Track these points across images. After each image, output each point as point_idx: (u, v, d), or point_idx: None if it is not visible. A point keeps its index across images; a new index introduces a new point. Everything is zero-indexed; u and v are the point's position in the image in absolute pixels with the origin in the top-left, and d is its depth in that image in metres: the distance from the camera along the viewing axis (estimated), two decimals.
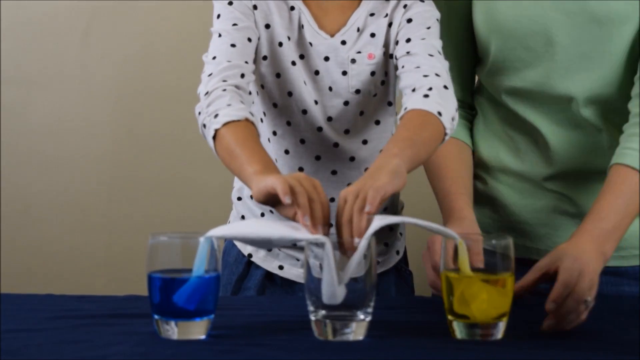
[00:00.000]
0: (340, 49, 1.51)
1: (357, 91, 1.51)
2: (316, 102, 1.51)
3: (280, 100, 1.53)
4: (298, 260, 1.57)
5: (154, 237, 1.15)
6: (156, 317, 1.14)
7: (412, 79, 1.43)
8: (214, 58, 1.45)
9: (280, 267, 1.58)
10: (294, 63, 1.51)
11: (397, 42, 1.51)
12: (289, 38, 1.51)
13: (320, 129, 1.53)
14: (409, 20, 1.50)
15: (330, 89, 1.52)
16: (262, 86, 1.54)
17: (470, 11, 1.55)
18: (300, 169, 1.53)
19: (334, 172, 1.55)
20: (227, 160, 1.35)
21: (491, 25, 1.50)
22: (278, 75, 1.52)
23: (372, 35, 1.51)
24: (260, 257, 1.59)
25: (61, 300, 1.40)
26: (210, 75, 1.44)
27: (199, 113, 1.41)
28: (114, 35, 2.41)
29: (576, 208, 1.52)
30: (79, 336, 1.13)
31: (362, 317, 1.12)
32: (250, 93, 1.51)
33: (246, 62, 1.46)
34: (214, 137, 1.37)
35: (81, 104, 2.41)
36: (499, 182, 1.60)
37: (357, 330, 1.12)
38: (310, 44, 1.51)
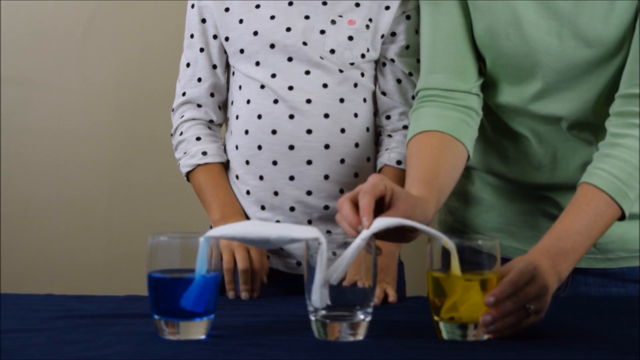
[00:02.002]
0: (321, 9, 1.54)
1: (332, 51, 1.55)
2: (273, 76, 1.55)
3: (250, 69, 1.60)
4: (282, 249, 1.60)
5: (153, 237, 1.15)
6: (156, 317, 1.14)
7: (396, 102, 1.62)
8: (179, 82, 1.69)
9: (267, 257, 1.61)
10: (255, 33, 1.59)
11: (393, 34, 1.60)
12: (257, 7, 1.59)
13: (276, 101, 1.58)
14: (408, 17, 1.59)
15: (304, 44, 1.57)
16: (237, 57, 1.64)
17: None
18: (274, 132, 1.58)
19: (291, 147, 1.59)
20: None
21: (486, 41, 1.48)
22: (242, 51, 1.60)
23: (357, 5, 1.55)
24: None
25: (61, 300, 1.40)
26: (173, 110, 1.69)
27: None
28: (114, 35, 2.41)
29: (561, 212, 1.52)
30: (79, 336, 1.13)
31: (362, 317, 1.12)
32: (220, 108, 1.68)
33: (199, 80, 1.65)
34: (189, 181, 1.66)
35: (81, 104, 2.41)
36: (487, 184, 1.60)
37: (357, 330, 1.12)
38: (290, 3, 1.55)
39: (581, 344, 1.13)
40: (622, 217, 1.34)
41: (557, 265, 1.24)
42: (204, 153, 1.62)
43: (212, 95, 1.65)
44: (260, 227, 1.17)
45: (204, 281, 1.11)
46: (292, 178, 1.58)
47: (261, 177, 1.60)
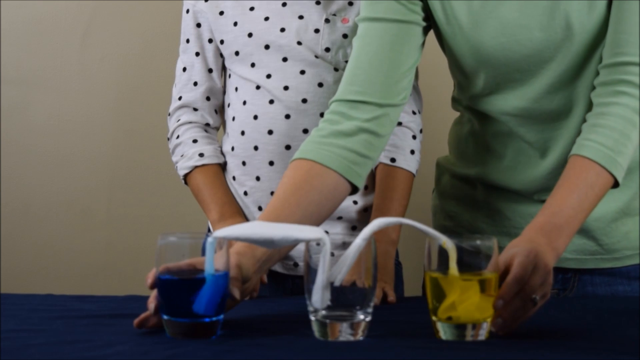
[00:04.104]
0: (315, 8, 1.55)
1: (327, 49, 1.54)
2: (269, 77, 1.56)
3: (245, 71, 1.61)
4: None
5: (163, 237, 1.14)
6: (165, 317, 1.13)
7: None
8: (175, 86, 1.69)
9: None
10: (250, 35, 1.60)
11: None
12: (251, 9, 1.59)
13: (272, 101, 1.59)
14: None
15: (298, 44, 1.57)
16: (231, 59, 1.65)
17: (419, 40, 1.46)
18: (270, 132, 1.59)
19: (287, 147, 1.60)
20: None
21: (479, 57, 1.46)
22: (237, 53, 1.61)
23: (350, 4, 1.56)
24: None
25: (61, 300, 1.40)
26: (169, 115, 1.69)
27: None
28: (114, 35, 2.41)
29: None
30: (79, 336, 1.13)
31: (362, 317, 1.12)
32: (216, 112, 1.69)
33: (195, 84, 1.66)
34: (187, 184, 1.67)
35: (81, 104, 2.41)
36: (491, 190, 1.59)
37: (357, 330, 1.12)
38: (284, 4, 1.55)
39: (581, 344, 1.13)
40: (616, 184, 1.34)
41: (553, 242, 1.24)
42: (201, 155, 1.62)
43: (208, 99, 1.65)
44: (264, 227, 1.17)
45: (214, 281, 1.11)
46: None
47: (258, 178, 1.60)
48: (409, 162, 1.61)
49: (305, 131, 1.57)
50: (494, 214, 1.58)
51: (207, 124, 1.67)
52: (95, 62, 2.41)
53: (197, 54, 1.65)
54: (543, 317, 1.26)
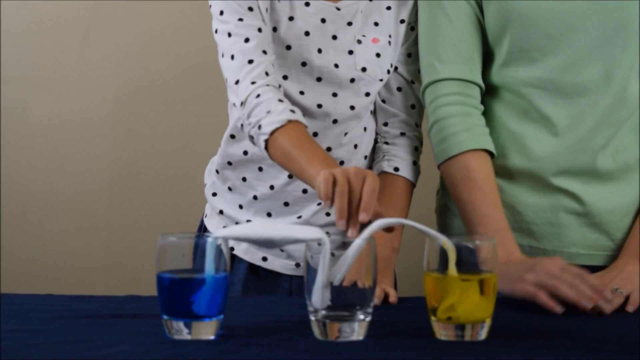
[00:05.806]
0: (346, 29, 1.53)
1: (364, 69, 1.55)
2: (302, 93, 1.54)
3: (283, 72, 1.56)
4: (282, 251, 1.59)
5: (163, 237, 1.14)
6: (165, 317, 1.13)
7: (396, 110, 1.62)
8: (232, 58, 1.46)
9: (264, 259, 1.60)
10: (282, 44, 1.54)
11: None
12: (290, 19, 1.54)
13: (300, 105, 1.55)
14: (412, 29, 1.59)
15: (335, 67, 1.55)
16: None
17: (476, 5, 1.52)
18: None
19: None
20: (285, 164, 1.40)
21: (507, 14, 1.46)
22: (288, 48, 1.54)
23: (376, 24, 1.56)
24: (242, 250, 1.60)
25: (61, 300, 1.40)
26: (237, 82, 1.46)
27: (242, 125, 1.45)
28: (114, 35, 2.41)
29: (583, 207, 1.51)
30: (79, 336, 1.13)
31: (362, 317, 1.12)
32: (279, 86, 1.52)
33: (264, 52, 1.47)
34: (266, 147, 1.41)
35: (81, 104, 2.42)
36: (504, 180, 1.57)
37: (357, 330, 1.12)
38: (323, 20, 1.53)
39: (581, 344, 1.13)
40: None
41: None
42: (292, 111, 1.44)
43: (273, 65, 1.51)
44: (264, 227, 1.17)
45: (214, 282, 1.11)
46: (305, 191, 1.57)
47: (272, 187, 1.58)
48: (411, 173, 1.61)
49: (329, 149, 1.56)
50: (506, 209, 1.57)
51: (280, 85, 1.54)
52: (95, 62, 2.41)
53: (260, 29, 1.50)
54: (543, 317, 1.26)
